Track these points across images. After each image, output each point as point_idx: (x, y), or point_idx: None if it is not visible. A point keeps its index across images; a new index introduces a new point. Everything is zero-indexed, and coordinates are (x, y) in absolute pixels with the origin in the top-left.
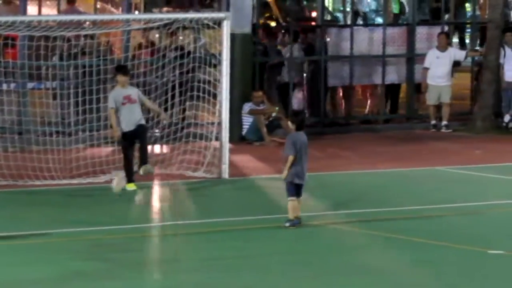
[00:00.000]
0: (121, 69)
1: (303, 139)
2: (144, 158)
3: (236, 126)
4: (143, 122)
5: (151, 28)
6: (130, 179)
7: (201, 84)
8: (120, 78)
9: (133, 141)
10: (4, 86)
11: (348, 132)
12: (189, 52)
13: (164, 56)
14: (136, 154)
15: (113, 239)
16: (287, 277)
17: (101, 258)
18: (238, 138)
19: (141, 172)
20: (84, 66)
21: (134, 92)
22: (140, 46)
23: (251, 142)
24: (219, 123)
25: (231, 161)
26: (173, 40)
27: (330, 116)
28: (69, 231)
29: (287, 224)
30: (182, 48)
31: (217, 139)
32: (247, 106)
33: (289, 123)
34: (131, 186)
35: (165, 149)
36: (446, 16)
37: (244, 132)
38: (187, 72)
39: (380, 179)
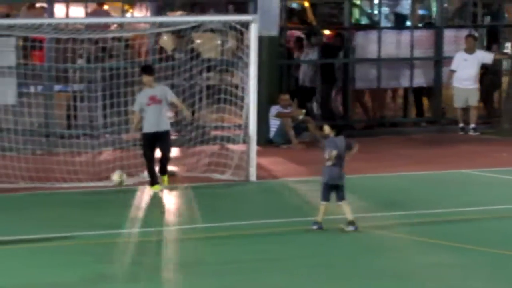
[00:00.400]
0: (145, 69)
1: (342, 143)
2: (163, 168)
3: (263, 129)
4: (167, 127)
5: (179, 31)
6: (154, 181)
7: (228, 87)
8: (145, 78)
9: (154, 144)
10: (31, 89)
11: (375, 135)
12: (216, 55)
13: (191, 59)
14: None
15: (138, 243)
16: (312, 280)
17: (125, 261)
18: (265, 141)
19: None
20: (111, 69)
21: (161, 93)
22: (160, 50)
23: (278, 145)
24: (246, 126)
25: (258, 163)
26: (200, 43)
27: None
28: (94, 234)
29: (314, 227)
30: (209, 51)
31: (244, 141)
32: (274, 109)
33: (327, 127)
34: (156, 188)
35: (193, 151)
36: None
37: (271, 135)
38: (215, 74)
39: (407, 182)
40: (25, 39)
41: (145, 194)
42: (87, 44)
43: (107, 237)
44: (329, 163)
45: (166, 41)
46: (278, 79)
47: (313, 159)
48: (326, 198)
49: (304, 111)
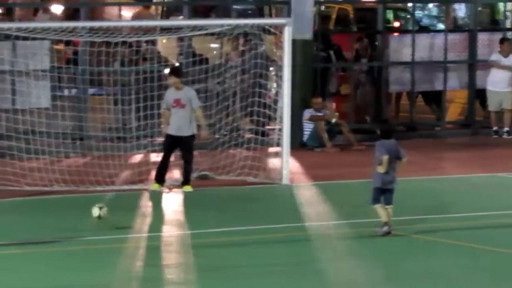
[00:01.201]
0: (173, 71)
1: (392, 146)
2: (187, 178)
3: (297, 132)
4: (189, 132)
5: (212, 34)
6: (159, 180)
7: (262, 90)
8: (171, 79)
9: (173, 148)
10: (65, 92)
11: (409, 138)
12: (249, 58)
13: (226, 62)
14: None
15: (172, 245)
16: (345, 283)
17: (161, 264)
18: (299, 144)
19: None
20: (145, 72)
21: (186, 97)
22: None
23: (312, 148)
24: (280, 129)
25: (292, 167)
26: (234, 46)
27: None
28: (129, 236)
29: (385, 228)
30: (243, 54)
31: (278, 145)
32: (307, 113)
33: (378, 131)
34: (155, 187)
35: (227, 154)
36: None
37: (305, 138)
38: (248, 78)
39: (442, 185)
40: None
41: (178, 197)
42: (121, 47)
43: (140, 239)
44: (381, 169)
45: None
46: (312, 82)
47: (347, 162)
48: (378, 201)
49: (337, 114)
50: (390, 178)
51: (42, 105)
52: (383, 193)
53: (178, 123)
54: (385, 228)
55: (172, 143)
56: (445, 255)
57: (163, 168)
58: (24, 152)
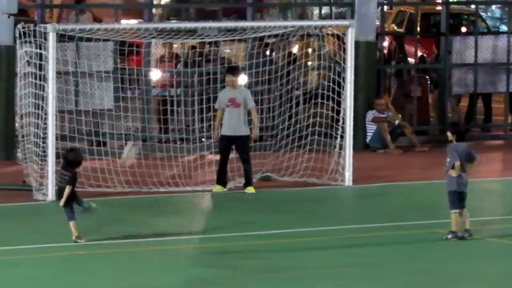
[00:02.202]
0: (230, 69)
1: (464, 149)
2: (248, 179)
3: (360, 134)
4: (245, 132)
5: (276, 36)
6: (220, 181)
7: (325, 92)
8: (228, 78)
9: (230, 149)
10: (129, 93)
11: (470, 140)
12: (313, 60)
13: (289, 63)
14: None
15: (235, 246)
16: (410, 285)
17: (223, 265)
18: (362, 146)
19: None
20: (208, 73)
21: (241, 96)
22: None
23: (375, 150)
24: (343, 131)
25: (355, 168)
26: (299, 48)
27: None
28: (191, 237)
29: (449, 236)
30: (306, 56)
31: (341, 146)
32: (370, 114)
33: (449, 133)
34: (218, 188)
35: (290, 156)
36: None
37: (368, 139)
38: (311, 79)
39: (503, 187)
40: (123, 43)
41: (240, 198)
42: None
43: (206, 241)
44: (453, 173)
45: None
46: (375, 84)
47: (409, 164)
48: (457, 206)
49: (400, 116)
50: (463, 180)
51: (105, 107)
52: (459, 196)
53: (234, 123)
54: (450, 236)
55: (228, 144)
56: (506, 257)
57: (223, 170)
58: (87, 154)
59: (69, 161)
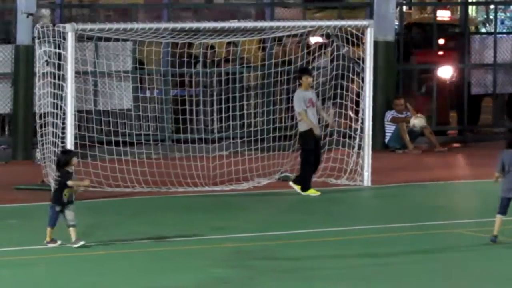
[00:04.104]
0: (306, 70)
1: (510, 155)
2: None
3: (379, 134)
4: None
5: (295, 35)
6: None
7: (344, 92)
8: (307, 79)
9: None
10: (148, 93)
11: (492, 140)
12: (332, 60)
13: (308, 63)
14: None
15: (253, 246)
16: (427, 285)
17: (242, 265)
18: (381, 146)
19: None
20: (227, 73)
21: (315, 96)
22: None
23: (394, 150)
24: (362, 131)
25: (374, 168)
26: (316, 48)
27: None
28: (210, 237)
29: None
30: (325, 56)
31: (360, 147)
32: (389, 114)
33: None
34: (314, 192)
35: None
36: None
37: (386, 139)
38: (330, 79)
39: None
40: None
41: (258, 199)
42: (203, 48)
43: (224, 241)
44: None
45: None
46: (395, 84)
47: (428, 165)
48: (500, 210)
49: (419, 115)
50: (509, 186)
51: (124, 106)
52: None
53: (316, 123)
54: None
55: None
56: None
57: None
58: (106, 153)
59: (57, 162)
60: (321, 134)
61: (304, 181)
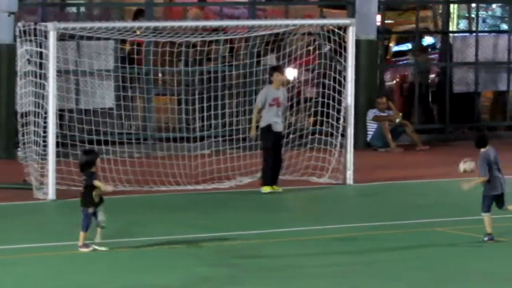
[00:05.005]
0: (278, 68)
1: (491, 154)
2: (275, 176)
3: (361, 132)
4: (282, 129)
5: (277, 34)
6: (271, 181)
7: (326, 90)
8: (278, 76)
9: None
10: (130, 92)
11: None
12: (314, 58)
13: (289, 62)
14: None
15: (236, 245)
16: (410, 284)
17: (225, 264)
18: (363, 144)
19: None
20: (209, 72)
21: (284, 96)
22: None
23: (376, 148)
24: (344, 129)
25: (356, 167)
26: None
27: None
28: (193, 236)
29: (486, 239)
30: (307, 55)
31: (342, 145)
32: (371, 113)
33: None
34: (266, 189)
35: (290, 155)
36: None
37: (368, 138)
38: (313, 78)
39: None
40: (124, 42)
41: (241, 197)
42: (185, 47)
43: (208, 239)
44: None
45: None
46: (376, 83)
47: (411, 163)
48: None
49: (401, 114)
50: (496, 184)
51: (106, 105)
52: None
53: (279, 121)
54: (486, 238)
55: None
56: (504, 255)
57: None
58: None
59: (81, 164)
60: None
61: (263, 177)
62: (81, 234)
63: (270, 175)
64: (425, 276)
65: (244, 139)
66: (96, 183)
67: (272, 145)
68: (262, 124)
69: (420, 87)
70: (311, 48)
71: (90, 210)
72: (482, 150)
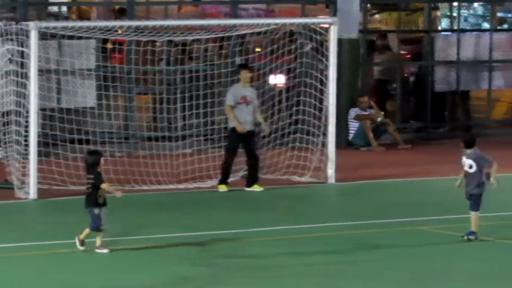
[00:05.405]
0: (245, 65)
1: (475, 155)
2: (254, 175)
3: (343, 131)
4: (253, 127)
5: (258, 33)
6: (224, 180)
7: (308, 90)
8: (245, 74)
9: (238, 145)
10: (111, 91)
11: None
12: (295, 57)
13: (271, 61)
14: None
15: (218, 244)
16: (392, 283)
17: (206, 264)
18: (345, 143)
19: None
20: (191, 71)
21: (251, 94)
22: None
23: (358, 147)
24: (326, 128)
25: (338, 166)
26: (280, 46)
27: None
28: (174, 235)
29: (472, 237)
30: (288, 53)
31: (323, 144)
32: (353, 112)
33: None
34: (222, 188)
35: (272, 154)
36: None
37: (350, 137)
38: (294, 77)
39: None
40: (105, 41)
41: (222, 197)
42: (167, 46)
43: (189, 239)
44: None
45: None
46: (358, 81)
47: (392, 162)
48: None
49: (383, 113)
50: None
51: (87, 104)
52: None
53: (246, 118)
54: (472, 237)
55: (239, 140)
56: (486, 253)
57: (228, 168)
58: (69, 152)
59: (88, 164)
60: (251, 131)
61: (222, 175)
62: (98, 234)
63: (227, 174)
64: (407, 275)
65: (225, 138)
66: (105, 186)
67: (236, 145)
68: (230, 123)
69: (402, 86)
70: (292, 47)
71: (96, 211)
72: (473, 149)
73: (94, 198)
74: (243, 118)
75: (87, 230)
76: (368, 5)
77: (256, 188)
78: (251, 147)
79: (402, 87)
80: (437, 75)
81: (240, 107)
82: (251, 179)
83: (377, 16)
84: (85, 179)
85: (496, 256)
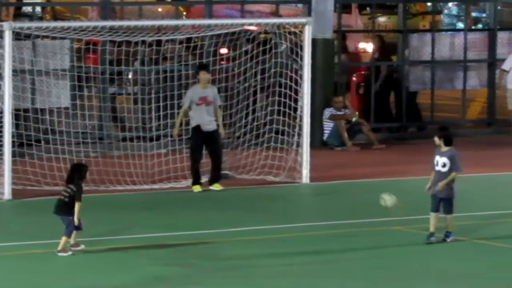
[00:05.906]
0: (204, 66)
1: (451, 154)
2: (216, 174)
3: (318, 131)
4: (215, 127)
5: (233, 34)
6: (196, 181)
7: (283, 89)
8: (204, 75)
9: (202, 144)
10: (85, 91)
11: (429, 138)
12: (270, 57)
13: (246, 61)
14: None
15: (192, 244)
16: (370, 282)
17: (180, 264)
18: (319, 143)
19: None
20: (165, 71)
21: (212, 94)
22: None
23: (333, 147)
24: (300, 128)
25: (312, 166)
26: (254, 45)
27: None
28: (148, 236)
29: (449, 239)
30: (263, 53)
31: (298, 144)
32: (327, 112)
33: (436, 138)
34: (197, 188)
35: (247, 154)
36: None
37: (325, 137)
38: (269, 77)
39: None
40: (80, 41)
41: (196, 197)
42: (141, 46)
43: (163, 239)
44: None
45: None
46: (333, 81)
47: (367, 162)
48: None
49: (357, 113)
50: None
51: (62, 105)
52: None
53: (205, 119)
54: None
55: (203, 140)
56: (461, 252)
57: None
58: (43, 152)
59: (74, 175)
60: (214, 131)
61: (192, 176)
62: (63, 238)
63: (197, 174)
64: (385, 275)
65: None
66: (78, 206)
67: (199, 145)
68: (192, 124)
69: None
70: (267, 47)
71: (70, 218)
72: (450, 148)
73: (68, 208)
74: (202, 119)
75: (63, 239)
76: (368, 8)
77: (216, 187)
78: (214, 146)
79: (379, 87)
80: (412, 75)
81: (200, 108)
82: (212, 177)
83: (381, 19)
84: (64, 187)
85: (473, 256)
